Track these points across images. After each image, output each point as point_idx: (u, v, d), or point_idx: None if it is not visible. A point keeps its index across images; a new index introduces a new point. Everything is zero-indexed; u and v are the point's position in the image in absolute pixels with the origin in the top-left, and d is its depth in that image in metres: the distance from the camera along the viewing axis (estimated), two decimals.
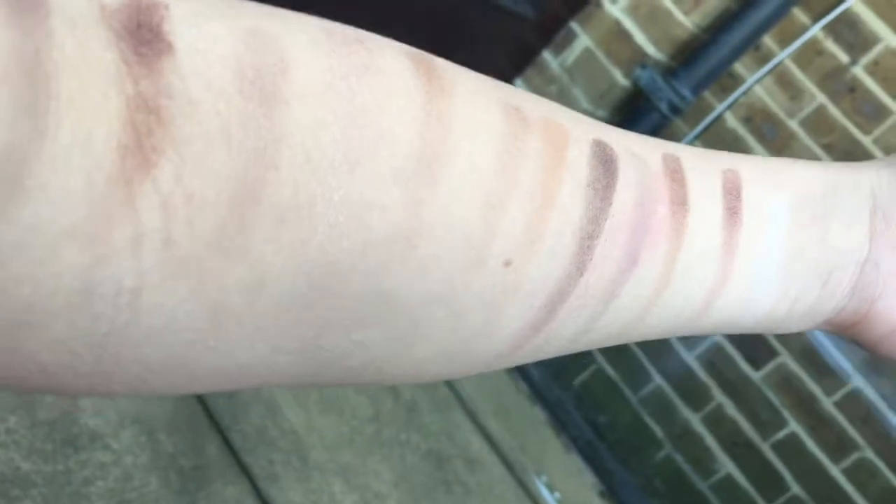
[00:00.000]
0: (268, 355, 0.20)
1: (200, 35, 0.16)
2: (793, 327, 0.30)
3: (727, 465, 1.72)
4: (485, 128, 0.21)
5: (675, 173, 0.25)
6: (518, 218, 0.21)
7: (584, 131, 0.24)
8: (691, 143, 1.63)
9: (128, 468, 1.01)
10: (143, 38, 0.15)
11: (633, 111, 1.59)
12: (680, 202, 0.25)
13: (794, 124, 1.57)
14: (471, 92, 0.21)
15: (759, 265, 0.27)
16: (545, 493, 1.62)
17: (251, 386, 0.21)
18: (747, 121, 1.61)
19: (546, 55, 1.57)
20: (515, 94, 0.23)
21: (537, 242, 0.22)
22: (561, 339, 0.25)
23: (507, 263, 0.21)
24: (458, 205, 0.20)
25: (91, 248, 0.15)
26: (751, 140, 1.60)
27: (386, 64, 0.19)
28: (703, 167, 0.27)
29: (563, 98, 1.56)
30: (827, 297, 0.29)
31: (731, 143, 1.61)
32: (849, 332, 0.31)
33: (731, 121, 1.62)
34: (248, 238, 0.17)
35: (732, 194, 0.27)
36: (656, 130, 1.61)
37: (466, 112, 0.20)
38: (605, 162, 0.23)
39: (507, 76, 1.57)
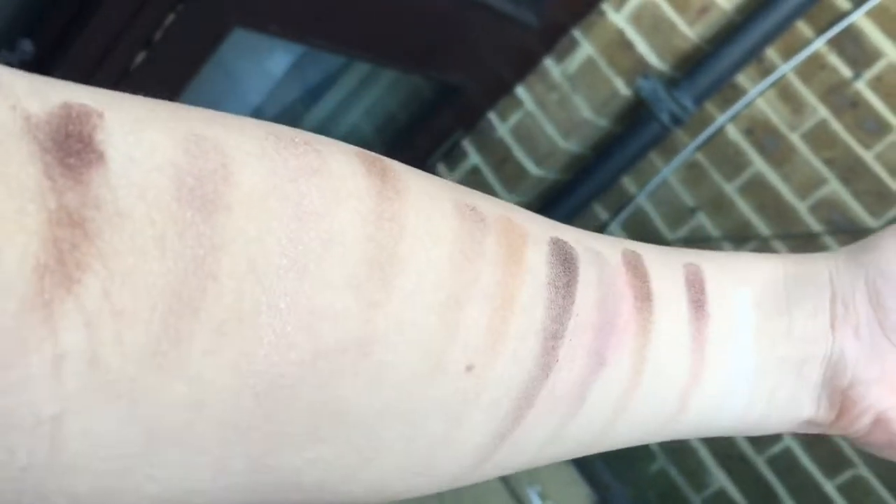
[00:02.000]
0: (212, 478, 0.18)
1: (137, 143, 0.16)
2: (773, 426, 0.29)
3: (721, 479, 1.70)
4: (440, 228, 0.20)
5: (636, 269, 0.25)
6: (478, 320, 0.20)
7: (542, 230, 0.23)
8: (693, 153, 1.62)
9: None
10: (72, 148, 0.15)
11: (634, 121, 1.58)
12: (644, 297, 0.25)
13: (795, 138, 1.56)
14: (425, 193, 0.20)
15: (731, 359, 0.27)
16: (538, 503, 1.60)
17: None
18: (748, 133, 1.60)
19: (548, 63, 1.56)
20: (471, 195, 0.22)
21: (499, 345, 0.21)
22: (529, 447, 0.23)
23: (469, 368, 0.20)
24: (415, 309, 0.19)
25: (2, 375, 0.14)
26: (752, 153, 1.60)
27: (336, 166, 0.19)
28: (664, 262, 0.26)
29: (565, 106, 1.55)
30: (802, 389, 0.29)
31: (732, 156, 1.60)
32: (835, 430, 0.30)
33: (733, 133, 1.61)
34: (185, 353, 0.16)
35: (696, 287, 0.26)
36: (657, 140, 1.60)
37: (421, 213, 0.20)
38: (564, 260, 0.23)
39: (508, 83, 1.56)
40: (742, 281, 0.28)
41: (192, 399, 0.16)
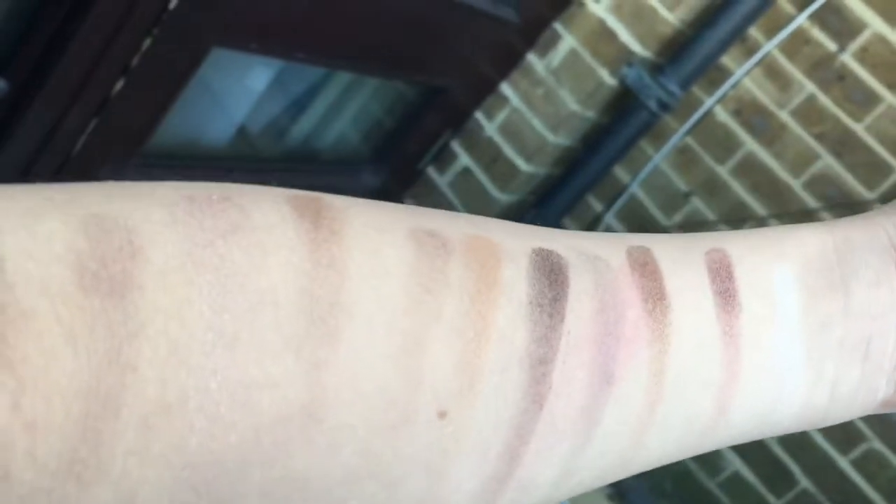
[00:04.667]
0: None
1: (31, 236, 0.14)
2: (844, 415, 0.26)
3: (735, 463, 1.70)
4: (391, 263, 0.18)
5: (644, 267, 0.22)
6: (446, 358, 0.18)
7: (522, 243, 0.21)
8: (682, 139, 1.61)
9: None
10: None
11: (621, 110, 1.57)
12: (657, 298, 0.22)
13: (784, 115, 1.55)
14: (370, 227, 0.18)
15: (776, 351, 0.24)
16: None
17: None
18: (737, 114, 1.59)
19: (531, 58, 1.55)
20: (432, 218, 0.20)
21: (476, 382, 0.19)
22: (540, 486, 0.21)
23: (442, 415, 0.18)
24: (368, 360, 0.17)
25: None
26: (742, 133, 1.59)
27: (261, 217, 0.17)
28: (680, 253, 0.23)
29: (551, 100, 1.54)
30: (874, 371, 0.25)
31: (723, 138, 1.60)
32: None
33: (722, 115, 1.60)
34: (107, 456, 0.15)
35: (722, 276, 0.23)
36: (646, 128, 1.59)
37: (365, 251, 0.18)
38: (549, 273, 0.20)
39: (493, 82, 1.56)
40: (779, 258, 0.24)
41: (119, 503, 0.15)
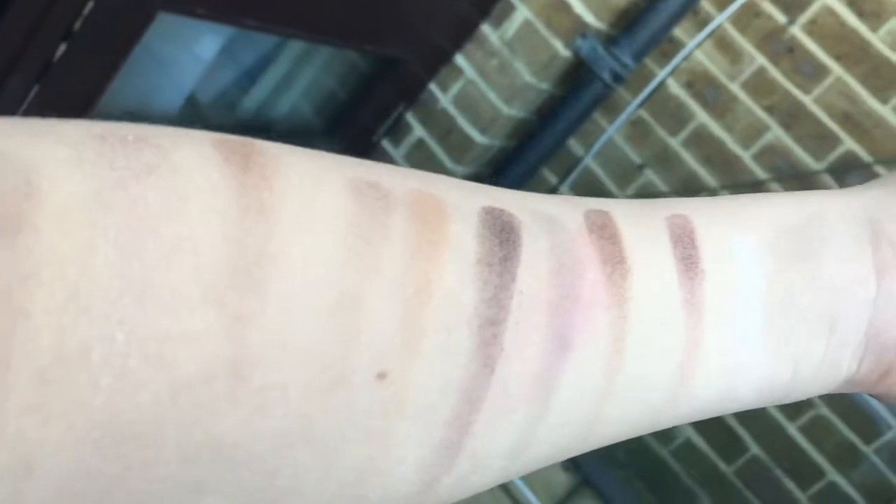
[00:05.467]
0: None
1: None
2: (808, 391, 0.25)
3: (687, 431, 1.73)
4: (327, 214, 0.17)
5: (603, 229, 0.21)
6: (386, 316, 0.17)
7: (471, 200, 0.20)
8: (635, 111, 1.62)
9: None
10: None
11: (575, 82, 1.57)
12: (616, 262, 0.21)
13: (735, 87, 1.57)
14: (307, 175, 0.17)
15: (739, 320, 0.23)
16: None
17: None
18: (689, 86, 1.60)
19: (485, 29, 1.54)
20: (374, 170, 0.19)
21: (419, 342, 0.17)
22: (494, 459, 0.20)
23: (381, 376, 0.17)
24: (299, 315, 0.16)
25: None
26: (693, 105, 1.60)
27: (181, 159, 0.15)
28: (640, 217, 0.22)
29: (506, 72, 1.54)
30: (838, 347, 0.24)
31: (675, 110, 1.61)
32: (879, 390, 0.26)
33: (674, 87, 1.61)
34: None
35: (684, 241, 0.22)
36: (600, 100, 1.60)
37: (299, 199, 0.16)
38: (500, 231, 0.19)
39: (447, 53, 1.55)
40: (746, 226, 0.24)
41: (14, 467, 0.13)
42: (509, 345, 0.19)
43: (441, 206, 0.19)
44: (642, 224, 0.22)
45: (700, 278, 0.22)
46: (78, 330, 0.14)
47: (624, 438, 0.23)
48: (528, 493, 1.60)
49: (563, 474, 1.74)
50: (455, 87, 1.58)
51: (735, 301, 0.23)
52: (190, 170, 0.16)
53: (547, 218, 0.21)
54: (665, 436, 1.74)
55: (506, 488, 1.56)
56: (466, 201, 0.20)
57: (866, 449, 1.59)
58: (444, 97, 1.59)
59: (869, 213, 0.25)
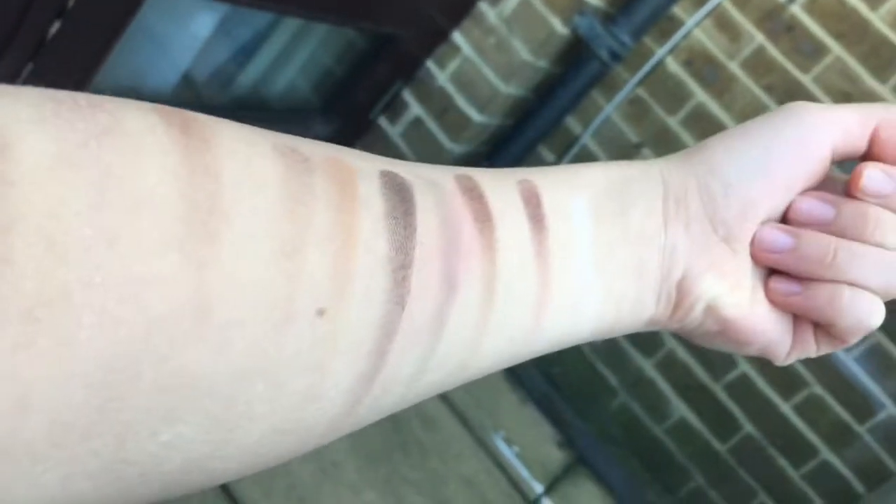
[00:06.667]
0: (59, 487, 0.17)
1: None
2: (625, 328, 0.30)
3: (681, 409, 1.74)
4: (262, 174, 0.19)
5: (471, 191, 0.25)
6: (320, 262, 0.20)
7: (371, 165, 0.23)
8: (633, 90, 1.61)
9: None
10: None
11: (573, 60, 1.57)
12: (484, 218, 0.25)
13: (734, 66, 1.56)
14: (239, 140, 0.19)
15: (575, 269, 0.27)
16: (504, 447, 1.62)
17: None
18: (688, 64, 1.60)
19: (482, 6, 1.53)
20: (291, 139, 0.21)
21: (348, 285, 0.20)
22: (397, 385, 0.23)
23: (320, 313, 0.20)
24: (249, 260, 0.18)
25: None
26: (692, 84, 1.59)
27: (132, 123, 0.17)
28: (498, 182, 0.26)
29: (503, 50, 1.53)
30: (644, 289, 0.30)
31: (673, 88, 1.60)
32: (672, 324, 0.31)
33: (672, 65, 1.60)
34: None
35: (532, 203, 0.26)
36: (598, 78, 1.59)
37: (237, 160, 0.19)
38: (399, 191, 0.22)
39: (444, 30, 1.54)
40: (576, 189, 0.28)
41: (11, 403, 0.15)
42: (415, 286, 0.22)
43: (351, 169, 0.22)
44: (499, 188, 0.26)
45: (546, 233, 0.27)
46: (58, 275, 0.15)
47: (493, 370, 0.27)
48: (523, 470, 1.61)
49: (558, 452, 1.76)
50: (452, 65, 1.57)
51: (573, 254, 0.27)
52: (141, 132, 0.17)
53: (428, 181, 0.24)
54: (660, 414, 1.75)
55: (501, 465, 1.57)
56: (368, 165, 0.23)
57: (860, 428, 1.61)
58: (441, 75, 1.58)
59: (663, 176, 0.30)
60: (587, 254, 0.28)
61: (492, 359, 0.26)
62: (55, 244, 0.15)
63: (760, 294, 0.31)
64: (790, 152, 0.30)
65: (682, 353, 1.71)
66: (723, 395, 1.70)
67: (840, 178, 0.32)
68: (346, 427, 0.23)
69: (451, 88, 1.58)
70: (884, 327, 1.57)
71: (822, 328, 0.32)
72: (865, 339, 1.57)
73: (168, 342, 0.17)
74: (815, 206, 0.31)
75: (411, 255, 0.22)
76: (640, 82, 1.62)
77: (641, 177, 0.30)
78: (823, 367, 1.61)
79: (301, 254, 0.19)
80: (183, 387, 0.17)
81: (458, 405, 1.60)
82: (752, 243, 0.31)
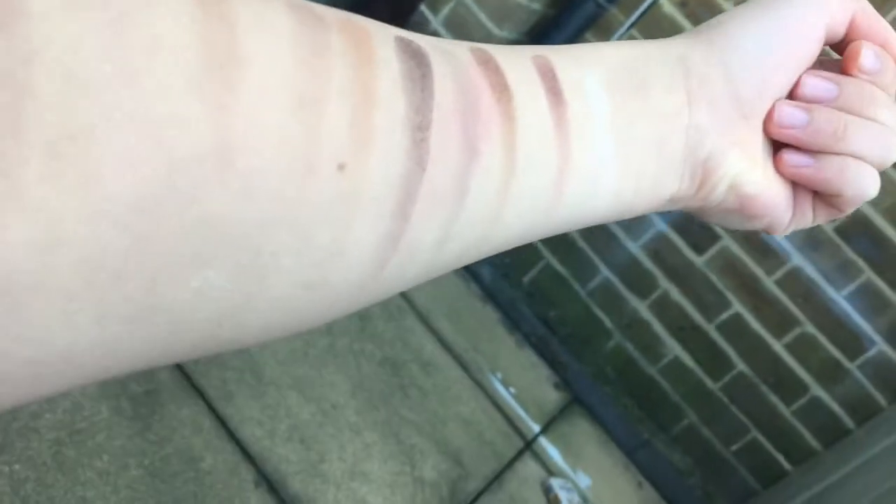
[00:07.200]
0: (94, 329, 0.17)
1: None
2: (643, 207, 0.31)
3: (675, 349, 1.77)
4: (277, 25, 0.19)
5: (487, 63, 0.25)
6: (340, 117, 0.19)
7: (385, 31, 0.22)
8: (628, 31, 1.61)
9: (76, 398, 1.00)
10: None
11: (567, 2, 1.55)
12: (501, 89, 0.24)
13: (729, 6, 1.55)
14: None
15: (594, 142, 0.27)
16: (501, 389, 1.65)
17: (83, 382, 0.18)
18: (683, 6, 1.59)
19: None
20: (304, 1, 0.21)
21: (368, 142, 0.20)
22: (422, 252, 0.23)
23: (341, 167, 0.20)
24: (269, 108, 0.18)
25: None
26: (687, 25, 1.59)
27: None
28: (513, 56, 0.26)
29: None
30: (665, 166, 0.30)
31: (668, 30, 1.59)
32: (695, 202, 0.32)
33: (667, 6, 1.59)
34: (17, 181, 0.14)
35: (548, 76, 0.26)
36: (593, 20, 1.58)
37: (252, 13, 0.18)
38: (415, 55, 0.22)
39: None
40: (591, 64, 0.28)
41: (41, 238, 0.15)
42: (434, 149, 0.22)
43: (366, 31, 0.21)
44: (514, 61, 0.26)
45: (564, 106, 0.26)
46: (80, 108, 0.15)
47: (516, 244, 0.27)
48: (520, 410, 1.64)
49: (553, 392, 1.79)
50: (446, 9, 1.56)
51: (591, 126, 0.27)
52: None
53: (444, 51, 0.24)
54: (654, 354, 1.78)
55: (498, 406, 1.60)
56: (383, 31, 0.22)
57: (850, 365, 1.63)
58: (434, 19, 1.57)
59: (681, 53, 0.30)
60: (606, 127, 0.28)
61: (514, 229, 0.26)
62: (75, 78, 0.15)
63: (771, 169, 0.32)
64: (795, 30, 0.31)
65: (676, 295, 1.73)
66: (716, 335, 1.72)
67: (827, 59, 0.33)
68: (373, 291, 0.23)
69: (444, 32, 1.57)
70: (874, 264, 1.58)
71: (821, 199, 0.34)
72: (856, 277, 1.59)
73: (191, 185, 0.17)
74: (820, 84, 0.32)
75: (429, 118, 0.22)
76: (635, 24, 1.61)
77: (660, 55, 0.30)
78: (815, 306, 1.63)
79: (320, 105, 0.19)
80: (209, 232, 0.18)
81: (456, 349, 1.63)
82: (768, 119, 0.31)
